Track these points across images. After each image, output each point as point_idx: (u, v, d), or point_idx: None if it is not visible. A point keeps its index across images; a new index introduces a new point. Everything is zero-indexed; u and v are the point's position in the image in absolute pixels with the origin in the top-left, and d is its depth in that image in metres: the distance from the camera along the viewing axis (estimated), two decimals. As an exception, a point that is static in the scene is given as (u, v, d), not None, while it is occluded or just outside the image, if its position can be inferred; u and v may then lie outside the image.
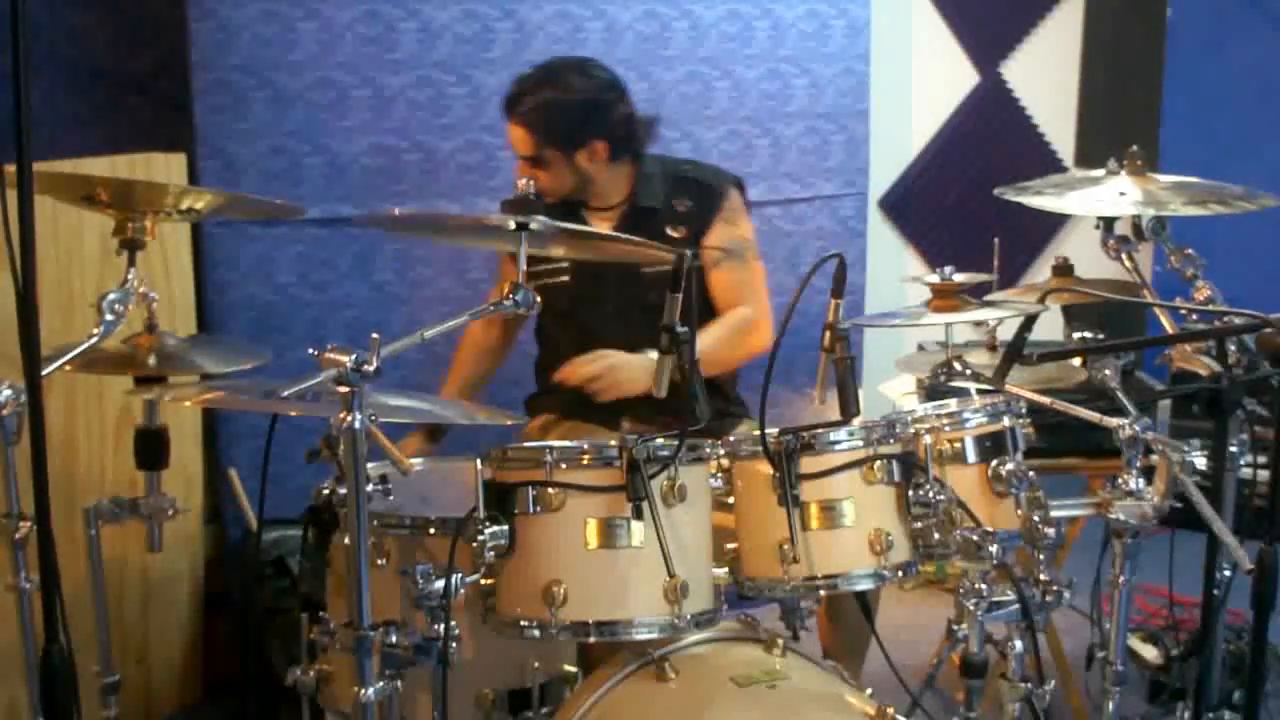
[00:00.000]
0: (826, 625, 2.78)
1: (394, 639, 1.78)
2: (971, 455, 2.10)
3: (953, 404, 2.24)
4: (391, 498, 1.89)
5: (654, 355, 2.63)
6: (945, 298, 2.23)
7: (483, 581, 1.91)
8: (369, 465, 1.73)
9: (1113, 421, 1.98)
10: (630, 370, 2.66)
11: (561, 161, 2.82)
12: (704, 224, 2.90)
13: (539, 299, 1.92)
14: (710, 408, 1.90)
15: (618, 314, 2.81)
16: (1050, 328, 2.66)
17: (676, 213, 2.89)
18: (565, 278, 2.85)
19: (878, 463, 1.96)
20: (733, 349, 2.88)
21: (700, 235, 2.90)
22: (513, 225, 1.90)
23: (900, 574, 1.97)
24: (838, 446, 1.95)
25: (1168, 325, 2.31)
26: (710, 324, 2.84)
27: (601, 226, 2.87)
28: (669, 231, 2.87)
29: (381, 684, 1.75)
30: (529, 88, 2.82)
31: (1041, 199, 2.44)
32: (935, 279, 2.23)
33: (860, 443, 1.96)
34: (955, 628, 2.03)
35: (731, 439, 2.02)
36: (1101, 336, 2.81)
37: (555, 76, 2.83)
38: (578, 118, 2.80)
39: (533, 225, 1.90)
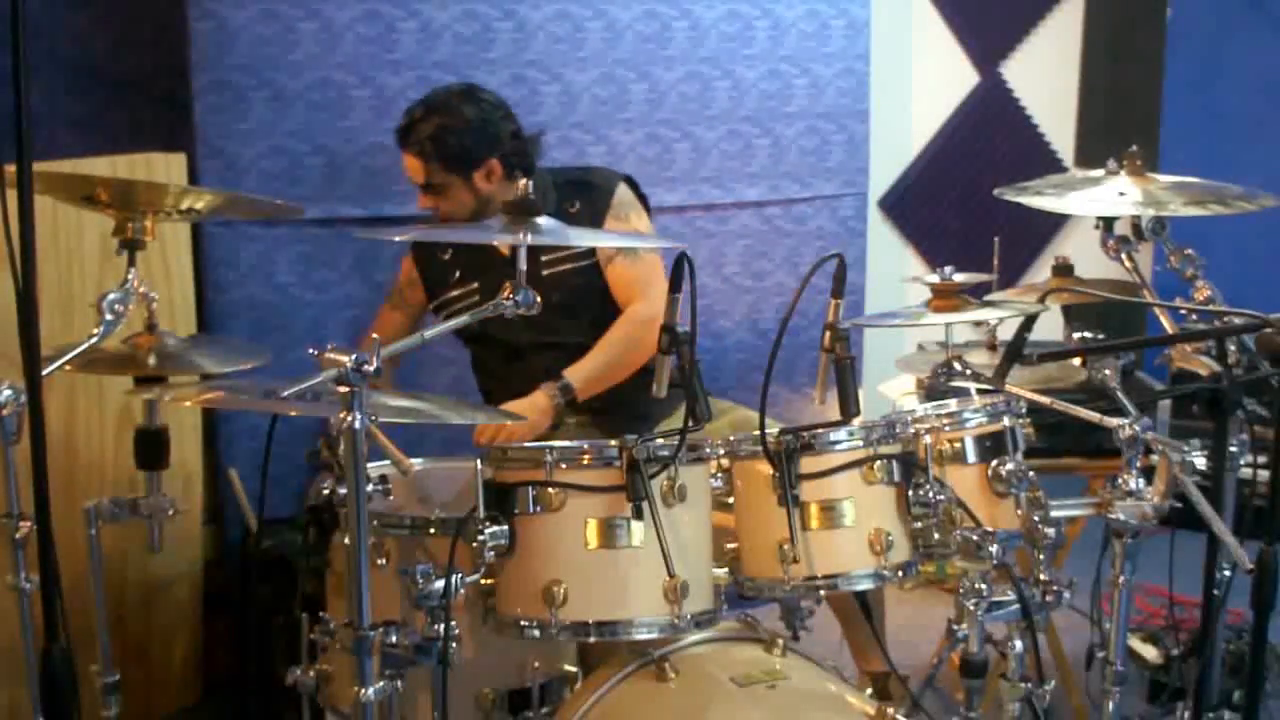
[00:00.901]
0: (843, 624, 2.80)
1: (394, 639, 1.78)
2: (971, 455, 2.10)
3: (953, 404, 2.24)
4: (391, 498, 1.89)
5: (537, 401, 2.74)
6: (945, 298, 2.23)
7: (483, 581, 1.91)
8: (369, 465, 1.73)
9: (1113, 421, 1.98)
10: (519, 426, 2.67)
11: (459, 185, 2.88)
12: (594, 224, 2.93)
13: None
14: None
15: (526, 320, 2.87)
16: (1050, 328, 2.66)
17: (568, 215, 2.89)
18: (476, 298, 2.92)
19: (878, 463, 1.96)
20: (633, 353, 2.85)
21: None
22: (523, 237, 1.90)
23: (900, 574, 1.97)
24: (838, 446, 1.95)
25: (1168, 325, 2.30)
26: (602, 341, 2.85)
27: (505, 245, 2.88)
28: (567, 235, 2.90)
29: (381, 684, 1.75)
30: (418, 118, 2.89)
31: (1041, 199, 2.44)
32: (935, 279, 2.24)
33: (860, 443, 1.96)
34: (955, 628, 2.02)
35: (732, 439, 2.02)
36: (1101, 336, 2.81)
37: (442, 104, 2.90)
38: (469, 141, 2.87)
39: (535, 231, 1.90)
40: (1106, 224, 2.37)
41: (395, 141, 2.93)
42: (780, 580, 1.94)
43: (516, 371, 2.92)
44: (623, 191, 2.99)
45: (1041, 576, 2.09)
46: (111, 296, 2.06)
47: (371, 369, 1.66)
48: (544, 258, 2.88)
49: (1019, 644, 2.05)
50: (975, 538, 1.97)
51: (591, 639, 1.90)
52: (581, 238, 2.63)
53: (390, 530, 2.05)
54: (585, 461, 1.88)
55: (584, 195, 2.95)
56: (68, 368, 2.02)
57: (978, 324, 2.97)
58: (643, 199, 3.06)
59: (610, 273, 2.94)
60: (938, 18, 4.63)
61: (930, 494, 1.97)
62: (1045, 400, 2.14)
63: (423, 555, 1.99)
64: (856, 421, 1.94)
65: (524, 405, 2.73)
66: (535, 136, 3.02)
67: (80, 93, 3.37)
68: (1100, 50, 4.79)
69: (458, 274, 2.98)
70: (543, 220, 2.00)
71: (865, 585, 1.98)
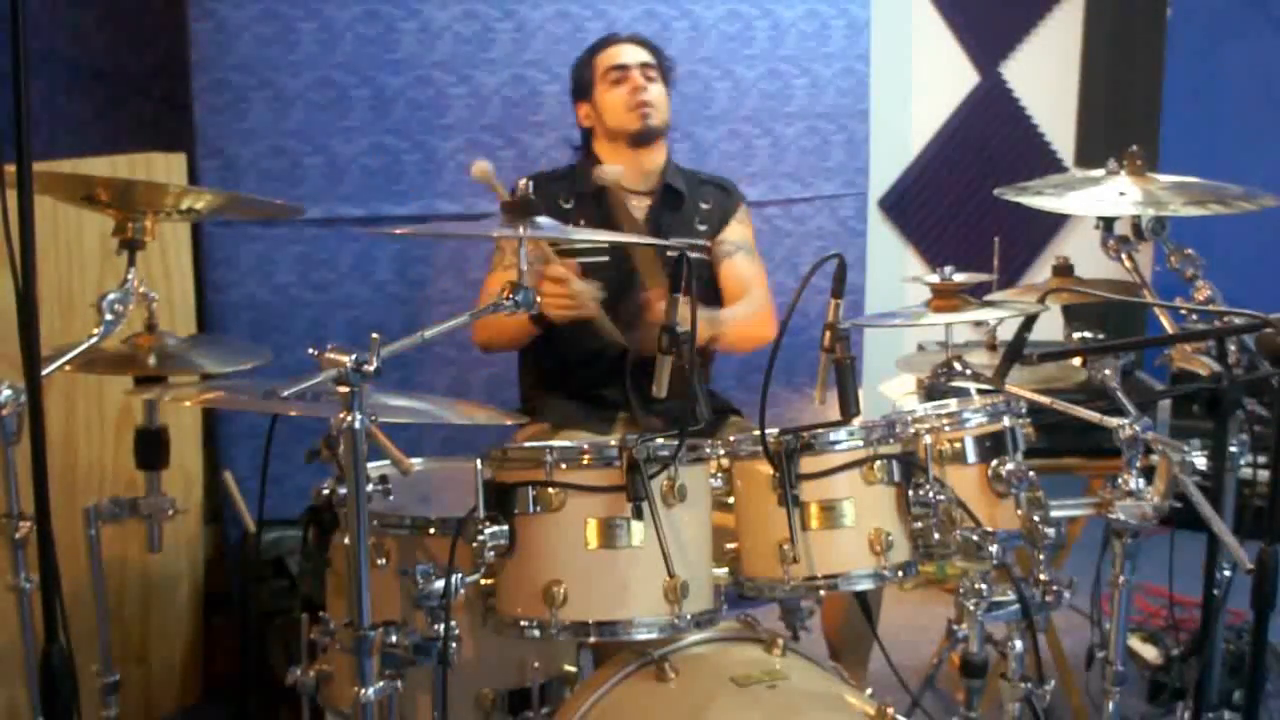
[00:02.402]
0: (829, 626, 2.78)
1: (394, 639, 1.78)
2: (971, 455, 2.10)
3: (953, 404, 2.24)
4: (391, 498, 1.89)
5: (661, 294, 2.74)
6: (945, 298, 2.23)
7: (483, 581, 1.91)
8: (369, 465, 1.73)
9: (1113, 421, 1.97)
10: (586, 297, 2.76)
11: (665, 86, 3.08)
12: (723, 223, 3.09)
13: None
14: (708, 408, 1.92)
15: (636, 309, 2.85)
16: (1050, 328, 2.66)
17: (701, 209, 3.06)
18: (605, 257, 2.93)
19: (878, 463, 1.95)
20: (748, 331, 3.02)
21: (716, 232, 3.09)
22: (521, 231, 1.90)
23: (900, 574, 1.97)
24: (838, 446, 1.94)
25: (1168, 325, 2.30)
26: (732, 304, 3.01)
27: (640, 207, 3.02)
28: (695, 223, 3.06)
29: (381, 684, 1.75)
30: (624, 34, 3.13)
31: (1041, 199, 2.44)
32: (935, 279, 2.24)
33: (860, 443, 1.95)
34: (955, 628, 2.03)
35: (732, 439, 2.02)
36: (1101, 336, 2.82)
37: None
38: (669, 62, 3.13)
39: (533, 226, 1.89)
40: (1106, 224, 2.37)
41: (597, 48, 3.09)
42: (780, 580, 1.94)
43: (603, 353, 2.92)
44: (745, 207, 3.18)
45: (1041, 576, 2.09)
46: (111, 296, 2.06)
47: (371, 369, 1.66)
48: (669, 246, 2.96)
49: (1019, 644, 2.05)
50: (975, 538, 1.97)
51: (591, 639, 1.90)
52: (580, 234, 2.75)
53: (390, 530, 2.05)
54: (585, 461, 1.88)
55: (717, 195, 3.12)
56: (68, 368, 2.02)
57: (978, 324, 2.97)
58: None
59: (728, 266, 3.06)
60: (938, 18, 4.63)
61: (930, 494, 1.97)
62: (1045, 400, 2.14)
63: (423, 555, 1.99)
64: (856, 421, 1.94)
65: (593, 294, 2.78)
66: None
67: (80, 93, 3.38)
68: (1100, 50, 4.79)
69: (581, 223, 2.98)
70: (542, 219, 1.99)
71: (865, 585, 1.98)
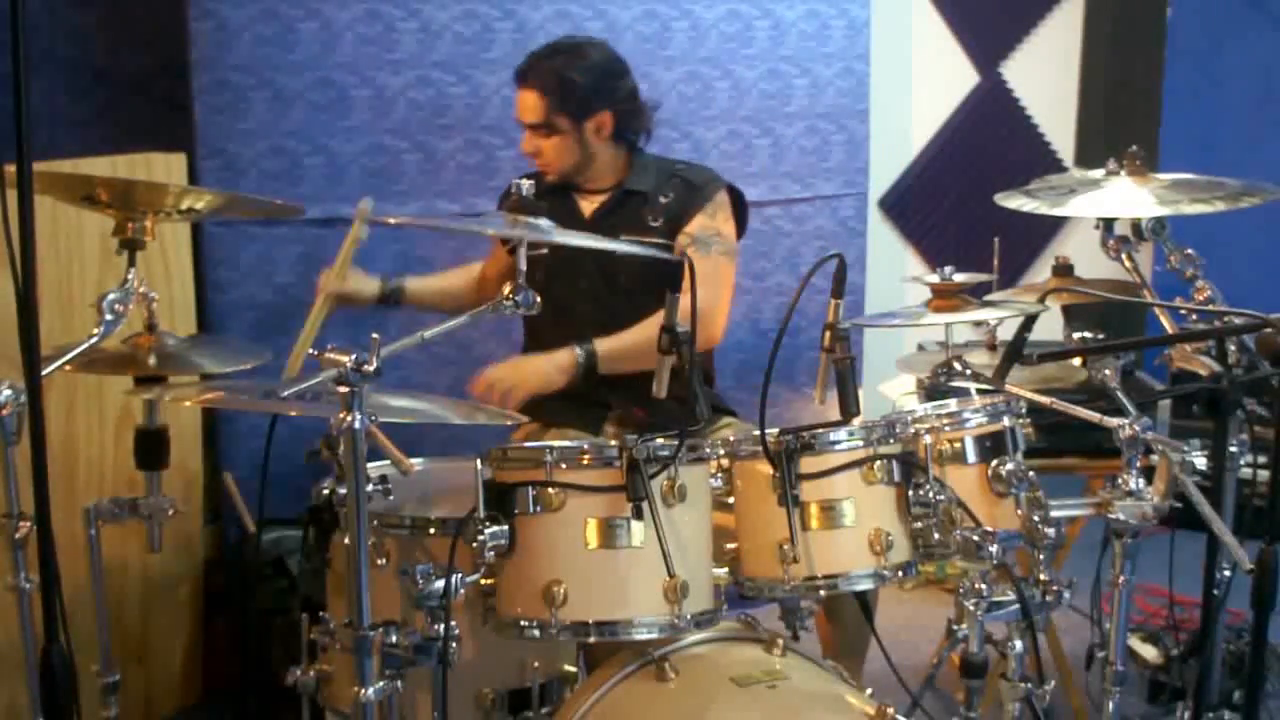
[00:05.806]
0: (826, 625, 2.78)
1: (394, 639, 1.78)
2: (971, 455, 2.10)
3: (953, 404, 2.23)
4: (391, 498, 1.89)
5: (559, 357, 2.73)
6: (945, 298, 2.23)
7: (483, 581, 1.91)
8: (369, 465, 1.73)
9: (1113, 421, 1.98)
10: (527, 367, 2.77)
11: (570, 131, 2.87)
12: (682, 217, 2.91)
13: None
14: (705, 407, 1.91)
15: (590, 291, 2.83)
16: (1050, 328, 2.66)
17: (659, 203, 2.92)
18: (544, 250, 2.81)
19: (878, 463, 1.96)
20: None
21: (677, 226, 2.91)
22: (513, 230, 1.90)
23: (900, 574, 1.97)
24: (838, 446, 1.95)
25: (1168, 325, 2.31)
26: (642, 322, 2.75)
27: (589, 208, 2.95)
28: (649, 219, 2.92)
29: (381, 684, 1.75)
30: (543, 56, 2.89)
31: (1041, 203, 2.44)
32: (935, 279, 2.24)
33: (860, 443, 1.96)
34: (955, 628, 2.03)
35: (732, 439, 2.02)
36: (1101, 336, 2.81)
37: (568, 47, 2.91)
38: (589, 86, 2.86)
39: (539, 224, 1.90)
40: (1106, 224, 2.37)
41: (514, 81, 2.91)
42: (780, 580, 1.94)
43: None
44: (722, 197, 2.96)
45: (1041, 576, 2.09)
46: (111, 296, 2.06)
47: (371, 369, 1.66)
48: (624, 239, 2.84)
49: (1019, 644, 2.05)
50: (975, 538, 1.97)
51: (591, 639, 1.90)
52: (566, 238, 2.50)
53: (390, 530, 2.05)
54: (585, 461, 1.88)
55: (681, 189, 2.94)
56: (68, 368, 2.02)
57: (978, 324, 2.97)
58: (742, 213, 3.02)
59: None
60: (938, 18, 4.63)
61: (930, 494, 1.97)
62: (1045, 400, 2.14)
63: (423, 555, 1.99)
64: (856, 421, 1.94)
65: (544, 359, 2.76)
66: (650, 106, 3.01)
67: (80, 93, 3.37)
68: (1100, 50, 4.79)
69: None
70: (542, 221, 1.99)
71: (865, 585, 1.98)
